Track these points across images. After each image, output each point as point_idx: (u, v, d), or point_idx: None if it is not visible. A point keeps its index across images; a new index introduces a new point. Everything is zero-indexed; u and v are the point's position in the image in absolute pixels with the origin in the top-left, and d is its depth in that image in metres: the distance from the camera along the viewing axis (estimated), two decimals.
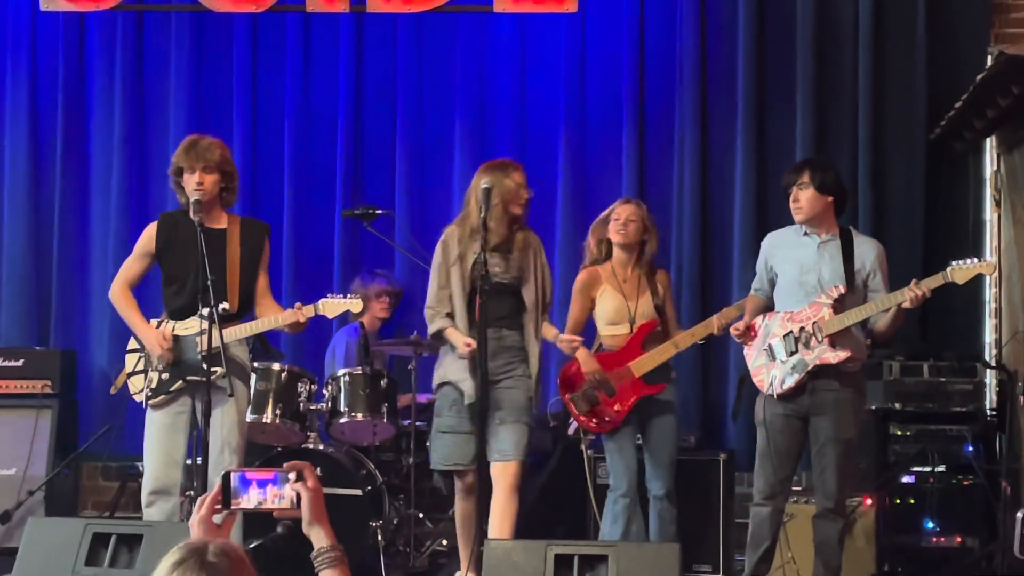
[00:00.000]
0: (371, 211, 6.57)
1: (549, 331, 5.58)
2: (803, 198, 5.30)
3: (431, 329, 5.47)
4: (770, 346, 5.34)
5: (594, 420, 5.71)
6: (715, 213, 7.27)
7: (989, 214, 6.94)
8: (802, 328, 5.24)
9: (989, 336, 6.94)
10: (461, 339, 5.32)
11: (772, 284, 5.49)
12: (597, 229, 5.88)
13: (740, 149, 7.17)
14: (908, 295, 5.08)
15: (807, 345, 5.22)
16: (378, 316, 7.03)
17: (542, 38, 7.52)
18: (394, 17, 7.54)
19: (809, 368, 5.21)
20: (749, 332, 5.42)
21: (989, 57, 6.75)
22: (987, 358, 6.68)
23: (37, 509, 6.65)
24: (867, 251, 5.36)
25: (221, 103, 7.69)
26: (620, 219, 5.75)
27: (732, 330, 5.47)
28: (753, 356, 5.42)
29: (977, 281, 6.88)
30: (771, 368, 5.32)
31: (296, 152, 7.60)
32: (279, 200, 7.55)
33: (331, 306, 5.27)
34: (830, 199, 5.34)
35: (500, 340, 5.35)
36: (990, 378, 6.54)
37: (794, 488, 6.23)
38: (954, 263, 5.13)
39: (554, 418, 6.53)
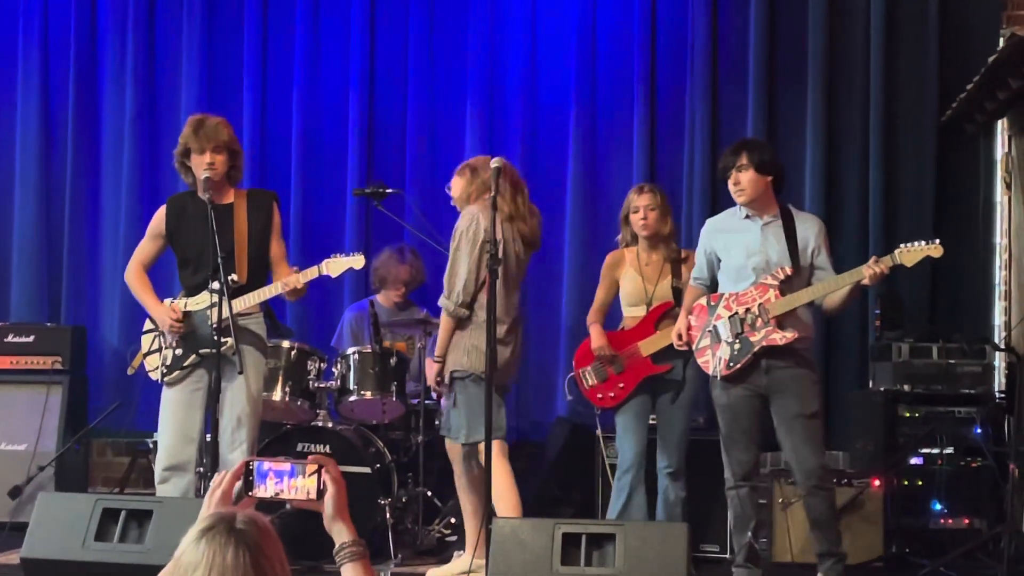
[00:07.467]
0: (381, 190, 6.53)
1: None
2: (744, 180, 5.27)
3: None
4: (715, 327, 5.30)
5: (599, 395, 5.82)
6: (725, 193, 7.18)
7: (1000, 196, 6.92)
8: (747, 309, 5.21)
9: (999, 318, 6.93)
10: None
11: (714, 272, 5.46)
12: (623, 226, 5.95)
13: (751, 129, 7.14)
14: (867, 272, 5.05)
15: (753, 326, 5.19)
16: (395, 301, 7.02)
17: (554, 16, 7.51)
18: None
19: (755, 350, 5.18)
20: (689, 334, 5.43)
21: (1001, 39, 6.72)
22: (996, 340, 6.67)
23: (47, 484, 6.67)
24: (809, 228, 5.33)
25: (232, 81, 7.70)
26: (639, 212, 5.83)
27: (675, 340, 5.44)
28: (697, 338, 5.39)
29: (987, 263, 6.91)
30: (716, 349, 5.28)
31: (305, 130, 7.60)
32: (287, 178, 7.55)
33: (335, 265, 5.28)
34: (769, 179, 5.31)
35: None
36: (999, 360, 6.54)
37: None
38: (903, 245, 5.10)
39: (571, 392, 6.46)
